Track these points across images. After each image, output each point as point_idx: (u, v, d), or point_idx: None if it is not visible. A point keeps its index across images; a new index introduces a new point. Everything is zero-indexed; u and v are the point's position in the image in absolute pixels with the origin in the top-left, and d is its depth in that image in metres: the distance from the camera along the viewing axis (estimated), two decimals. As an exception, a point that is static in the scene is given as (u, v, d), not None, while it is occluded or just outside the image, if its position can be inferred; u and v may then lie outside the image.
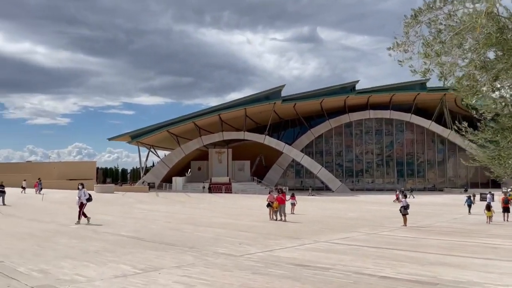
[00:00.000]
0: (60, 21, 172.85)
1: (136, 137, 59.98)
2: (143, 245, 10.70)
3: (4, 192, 25.55)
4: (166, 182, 59.64)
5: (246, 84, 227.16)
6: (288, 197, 27.83)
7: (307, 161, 61.72)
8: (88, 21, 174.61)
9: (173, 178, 58.62)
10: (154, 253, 9.48)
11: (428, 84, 62.81)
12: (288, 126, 73.22)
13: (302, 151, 64.89)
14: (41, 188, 40.25)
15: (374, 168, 68.29)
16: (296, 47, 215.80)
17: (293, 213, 25.61)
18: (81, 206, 15.83)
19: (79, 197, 16.00)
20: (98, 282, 6.55)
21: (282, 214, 20.14)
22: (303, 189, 66.23)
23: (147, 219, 18.99)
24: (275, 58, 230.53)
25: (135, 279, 6.82)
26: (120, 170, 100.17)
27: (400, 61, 4.92)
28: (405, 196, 20.20)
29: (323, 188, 64.37)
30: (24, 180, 41.31)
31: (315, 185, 66.10)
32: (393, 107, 66.29)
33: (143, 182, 59.47)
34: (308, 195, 53.55)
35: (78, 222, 15.47)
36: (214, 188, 57.02)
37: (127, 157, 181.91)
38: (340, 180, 63.73)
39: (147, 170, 66.03)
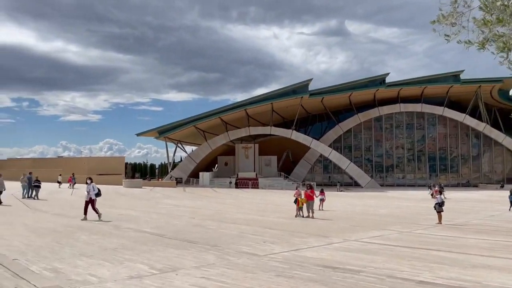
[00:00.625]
0: (90, 19, 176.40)
1: (163, 132, 60.33)
2: (165, 243, 10.30)
3: (39, 187, 26.14)
4: (193, 177, 59.80)
5: (273, 79, 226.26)
6: (317, 193, 27.17)
7: (335, 156, 60.58)
8: (117, 18, 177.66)
9: (200, 173, 58.66)
10: (174, 252, 9.05)
11: (462, 76, 60.66)
12: (316, 121, 72.11)
13: (330, 146, 63.79)
14: (75, 183, 41.11)
15: (405, 163, 66.44)
16: (324, 41, 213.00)
17: (322, 209, 24.93)
18: (90, 201, 15.13)
19: (88, 192, 15.25)
20: (110, 284, 6.13)
21: (310, 211, 19.48)
22: (331, 184, 65.11)
23: (172, 214, 18.70)
24: (302, 53, 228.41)
25: (150, 281, 6.36)
26: (148, 165, 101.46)
27: (447, 36, 4.21)
28: (440, 192, 19.17)
29: (352, 184, 63.12)
30: (60, 175, 42.33)
31: (343, 181, 64.94)
32: (424, 100, 64.21)
33: (171, 177, 59.84)
34: (337, 191, 52.54)
35: (85, 218, 14.82)
36: (241, 183, 56.75)
37: (156, 152, 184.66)
38: (370, 176, 62.34)
39: (174, 165, 66.40)
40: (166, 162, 68.21)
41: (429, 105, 64.17)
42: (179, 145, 65.63)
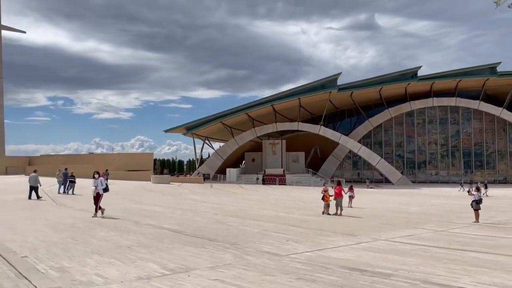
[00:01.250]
0: (121, 19, 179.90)
1: (191, 129, 60.44)
2: (183, 240, 9.86)
3: (74, 182, 26.64)
4: (220, 174, 59.71)
5: (301, 75, 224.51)
6: (345, 189, 26.30)
7: (365, 152, 59.09)
8: (147, 18, 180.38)
9: (227, 169, 58.48)
10: (191, 250, 8.58)
11: (499, 68, 58.00)
12: (345, 116, 70.69)
13: (359, 141, 62.36)
14: (107, 179, 41.67)
15: (438, 160, 64.25)
16: (353, 36, 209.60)
17: (351, 207, 24.12)
18: (98, 197, 14.53)
19: (95, 187, 14.54)
20: (115, 286, 5.69)
21: (338, 208, 18.72)
22: (360, 181, 63.77)
23: (195, 210, 18.33)
24: (331, 48, 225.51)
25: (159, 283, 5.89)
26: (177, 162, 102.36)
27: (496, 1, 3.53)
28: (478, 189, 17.99)
29: (382, 181, 61.61)
30: (95, 172, 42.75)
31: (373, 177, 63.44)
32: (459, 94, 61.81)
33: (198, 173, 59.94)
34: (366, 188, 51.28)
35: (95, 215, 14.24)
36: (268, 180, 56.21)
37: (185, 149, 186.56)
38: (401, 172, 60.56)
39: (202, 161, 66.52)
40: (194, 158, 68.42)
41: (464, 99, 61.75)
42: (207, 141, 65.70)
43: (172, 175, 72.27)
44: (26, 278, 5.89)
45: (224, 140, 65.78)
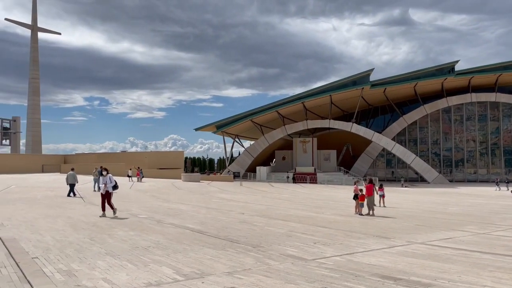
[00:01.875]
0: (154, 20, 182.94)
1: (221, 127, 60.33)
2: (203, 241, 9.35)
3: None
4: (251, 172, 59.33)
5: (333, 72, 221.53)
6: (376, 188, 25.29)
7: (399, 150, 57.20)
8: (179, 18, 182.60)
9: (257, 168, 58.02)
10: (210, 252, 8.05)
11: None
12: (378, 113, 68.89)
13: (393, 139, 60.56)
14: (142, 177, 42.37)
15: (477, 158, 61.53)
16: (386, 31, 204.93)
17: (384, 206, 23.14)
18: (107, 195, 13.58)
19: (105, 184, 13.53)
20: (120, 293, 5.20)
21: (370, 208, 17.85)
22: (394, 180, 62.04)
23: (221, 209, 17.87)
24: (363, 44, 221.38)
25: (168, 290, 5.36)
26: (207, 160, 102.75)
27: None
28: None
29: (417, 179, 59.64)
30: (130, 169, 43.68)
31: (408, 176, 61.56)
32: (499, 89, 58.95)
33: (228, 171, 59.79)
34: (401, 187, 49.69)
35: (104, 215, 13.29)
36: (299, 178, 55.39)
37: (217, 147, 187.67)
38: (437, 171, 58.30)
39: (232, 160, 66.33)
40: (224, 156, 68.37)
41: (505, 94, 58.84)
42: (237, 139, 65.46)
43: (202, 173, 72.52)
44: (28, 283, 5.50)
45: (254, 138, 65.37)
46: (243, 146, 65.04)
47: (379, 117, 68.83)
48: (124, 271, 6.33)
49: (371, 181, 18.99)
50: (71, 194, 21.84)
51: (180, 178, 48.53)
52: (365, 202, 18.09)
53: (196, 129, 61.96)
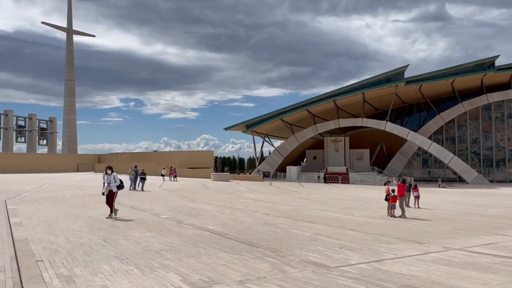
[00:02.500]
0: (186, 22, 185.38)
1: (250, 126, 59.94)
2: (220, 244, 8.82)
3: (145, 179, 27.48)
4: (281, 171, 58.65)
5: (366, 70, 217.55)
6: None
7: (436, 149, 54.99)
8: (211, 19, 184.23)
9: (287, 167, 57.27)
10: (224, 257, 7.50)
11: None
12: (413, 111, 66.70)
13: (430, 138, 58.34)
14: (176, 176, 43.05)
15: (520, 157, 58.43)
16: (422, 27, 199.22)
17: (419, 207, 22.11)
18: (111, 195, 12.69)
19: (108, 183, 12.57)
20: (114, 304, 4.71)
21: (402, 209, 16.92)
22: (431, 180, 59.84)
23: (246, 210, 17.33)
24: (398, 41, 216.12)
25: (168, 302, 4.83)
26: (238, 159, 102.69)
27: None
28: None
29: (455, 180, 57.25)
30: (163, 169, 44.23)
31: (445, 176, 59.26)
32: (544, 85, 55.79)
33: (258, 171, 59.33)
34: (438, 187, 47.77)
35: (111, 216, 12.52)
36: (330, 178, 54.27)
37: (248, 147, 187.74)
38: (477, 171, 55.69)
39: (262, 159, 65.85)
40: (254, 156, 67.91)
41: (551, 89, 55.64)
42: (267, 139, 64.91)
43: (232, 172, 72.44)
44: (21, 289, 5.12)
45: (284, 137, 64.62)
46: (273, 146, 64.43)
47: (415, 115, 66.63)
48: (128, 277, 5.86)
49: (403, 181, 17.98)
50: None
51: (209, 178, 48.41)
52: (397, 204, 17.15)
53: (226, 129, 61.83)
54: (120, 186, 12.81)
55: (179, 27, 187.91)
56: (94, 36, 76.73)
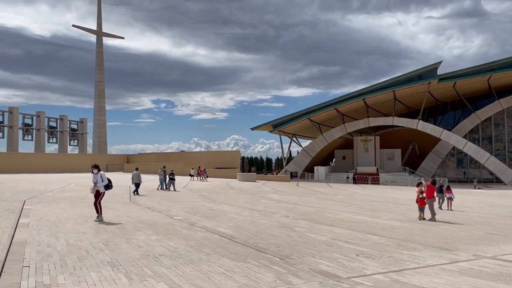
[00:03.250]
0: (216, 23, 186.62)
1: (277, 126, 59.24)
2: (226, 249, 8.22)
3: (174, 179, 27.78)
4: (309, 172, 57.68)
5: (398, 68, 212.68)
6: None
7: (471, 149, 52.69)
8: (240, 20, 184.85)
9: (315, 167, 56.26)
10: (227, 264, 6.90)
11: None
12: (447, 110, 64.32)
13: (465, 137, 56.04)
14: (207, 176, 43.79)
15: None
16: (457, 24, 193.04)
17: (451, 210, 20.99)
18: (98, 196, 11.84)
19: (95, 183, 11.69)
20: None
21: (430, 212, 15.91)
22: (466, 181, 57.53)
23: (266, 211, 16.69)
24: (432, 38, 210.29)
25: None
26: (265, 160, 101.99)
27: None
28: None
29: (492, 180, 54.76)
30: (192, 169, 44.59)
31: (482, 177, 56.81)
32: None
33: (285, 171, 58.56)
34: (473, 188, 45.69)
35: (98, 218, 11.62)
36: (359, 179, 52.93)
37: (277, 147, 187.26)
38: (515, 171, 52.97)
39: (289, 159, 65.00)
40: (282, 156, 67.11)
41: None
42: (294, 138, 64.01)
43: (259, 173, 71.91)
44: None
45: (312, 137, 63.54)
46: (300, 146, 63.47)
47: (449, 114, 64.23)
48: (112, 287, 5.34)
49: (433, 182, 16.86)
50: (136, 192, 22.58)
51: (235, 178, 48.04)
52: (427, 206, 16.11)
53: (253, 129, 61.34)
54: (108, 186, 12.00)
55: (209, 29, 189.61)
56: (123, 38, 78.06)
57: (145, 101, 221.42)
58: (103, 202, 12.36)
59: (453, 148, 57.48)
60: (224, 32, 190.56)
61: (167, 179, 27.66)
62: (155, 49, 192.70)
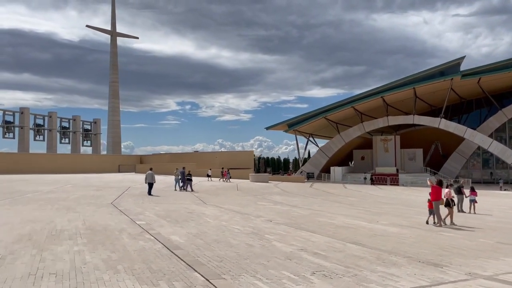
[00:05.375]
0: (239, 25, 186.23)
1: (292, 125, 57.46)
2: (150, 265, 6.72)
3: (191, 180, 27.63)
4: (326, 173, 55.64)
5: (424, 67, 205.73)
6: (467, 191, 21.01)
7: (497, 148, 49.51)
8: (263, 21, 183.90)
9: (331, 168, 54.19)
10: (128, 286, 5.39)
11: None
12: (472, 107, 61.07)
13: (490, 136, 52.84)
14: (230, 177, 43.05)
15: None
16: (485, 21, 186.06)
17: (474, 213, 19.19)
18: None
19: None
20: None
21: (434, 216, 14.10)
22: (493, 182, 54.32)
23: (250, 215, 15.07)
24: (459, 37, 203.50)
25: None
26: (282, 160, 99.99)
27: None
28: None
29: (520, 182, 51.38)
30: (210, 169, 43.67)
31: (509, 178, 53.50)
32: None
33: (301, 172, 56.73)
34: (499, 190, 42.80)
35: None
36: (378, 180, 50.56)
37: (301, 148, 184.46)
38: (546, 172, 49.56)
39: (306, 160, 63.06)
40: (298, 156, 65.14)
41: None
42: (311, 138, 62.04)
43: (275, 173, 70.12)
44: None
45: (330, 137, 61.38)
46: (317, 146, 61.39)
47: (474, 112, 60.94)
48: None
49: (439, 182, 14.88)
50: (151, 193, 22.43)
51: (248, 178, 46.50)
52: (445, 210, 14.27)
53: (267, 128, 59.75)
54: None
55: (232, 31, 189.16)
56: (137, 38, 78.14)
57: (170, 103, 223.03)
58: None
59: (478, 147, 54.36)
60: (247, 33, 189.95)
61: (184, 179, 27.45)
62: (179, 51, 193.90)
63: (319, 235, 10.68)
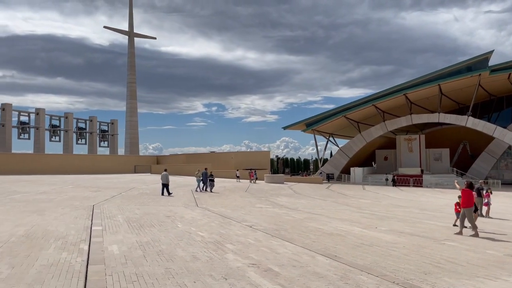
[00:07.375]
0: (265, 26, 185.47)
1: (311, 124, 55.60)
2: (67, 285, 5.42)
3: (213, 181, 27.68)
4: (346, 173, 53.54)
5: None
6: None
7: (530, 148, 46.16)
8: (289, 22, 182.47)
9: (351, 169, 52.06)
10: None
11: None
12: (503, 105, 57.67)
13: (523, 134, 49.36)
14: (256, 178, 42.78)
15: None
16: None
17: (489, 217, 17.26)
18: None
19: None
20: None
21: (462, 225, 12.24)
22: (525, 184, 50.80)
23: (235, 219, 13.67)
24: (492, 34, 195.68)
25: None
26: (302, 161, 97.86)
27: None
28: None
29: (555, 184, 47.85)
30: (237, 170, 44.11)
31: (543, 179, 49.92)
32: None
33: (320, 173, 54.81)
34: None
35: None
36: (400, 181, 48.12)
37: (328, 149, 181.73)
38: None
39: (325, 160, 61.04)
40: (317, 157, 63.15)
41: None
42: (331, 138, 59.97)
43: (294, 174, 68.36)
44: None
45: (350, 136, 59.13)
46: (337, 146, 59.27)
47: (505, 110, 57.45)
48: None
49: (469, 185, 12.57)
50: (165, 193, 22.65)
51: (263, 179, 45.05)
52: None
53: (284, 128, 58.06)
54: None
55: (258, 32, 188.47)
56: (155, 38, 78.33)
57: (197, 105, 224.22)
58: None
59: (510, 147, 51.02)
60: (273, 35, 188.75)
61: (207, 180, 27.24)
62: (205, 54, 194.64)
63: (293, 244, 9.17)
